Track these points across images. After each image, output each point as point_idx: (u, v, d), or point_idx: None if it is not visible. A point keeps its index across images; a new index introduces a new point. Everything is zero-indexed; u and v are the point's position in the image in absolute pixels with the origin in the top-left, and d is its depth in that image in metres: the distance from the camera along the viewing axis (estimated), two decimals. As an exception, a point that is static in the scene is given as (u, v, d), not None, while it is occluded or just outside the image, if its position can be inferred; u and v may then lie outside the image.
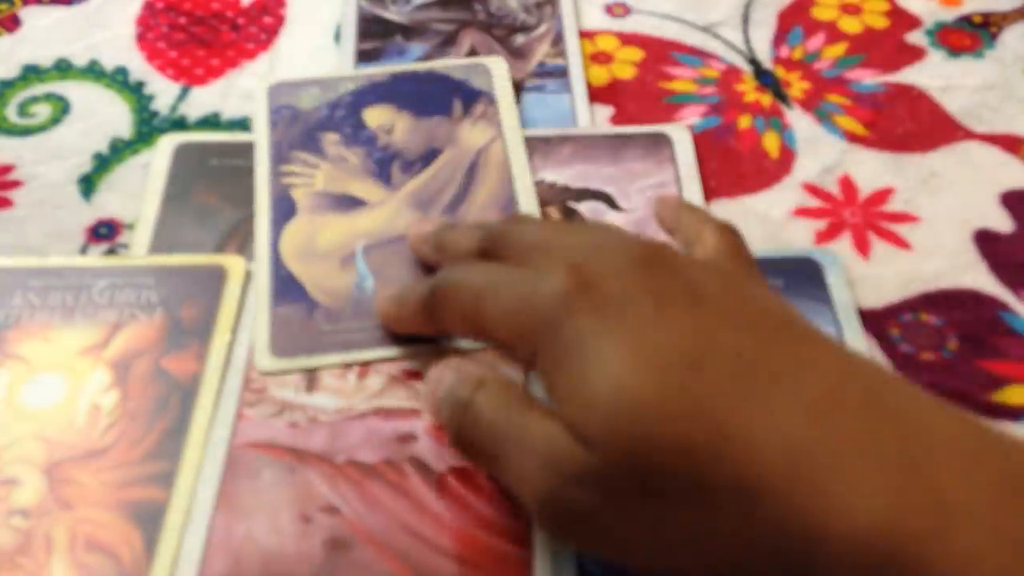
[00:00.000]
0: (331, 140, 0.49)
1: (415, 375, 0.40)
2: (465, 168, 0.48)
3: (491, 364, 0.37)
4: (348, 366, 0.41)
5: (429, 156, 0.48)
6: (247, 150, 0.49)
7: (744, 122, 0.52)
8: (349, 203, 0.47)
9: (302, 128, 0.50)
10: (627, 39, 0.57)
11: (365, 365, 0.41)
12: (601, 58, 0.56)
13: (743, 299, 0.32)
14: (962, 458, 0.26)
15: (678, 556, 0.29)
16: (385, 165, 0.48)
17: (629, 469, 0.28)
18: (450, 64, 0.53)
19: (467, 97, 0.51)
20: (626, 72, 0.55)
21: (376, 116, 0.50)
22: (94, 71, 0.55)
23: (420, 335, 0.40)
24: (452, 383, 0.34)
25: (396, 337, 0.41)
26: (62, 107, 0.53)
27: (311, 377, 0.40)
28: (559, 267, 0.32)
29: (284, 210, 0.46)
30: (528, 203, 0.46)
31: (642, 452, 0.28)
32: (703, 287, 0.31)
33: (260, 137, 0.49)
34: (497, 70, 0.52)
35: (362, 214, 0.46)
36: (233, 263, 0.44)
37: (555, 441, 0.30)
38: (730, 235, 0.38)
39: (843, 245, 0.46)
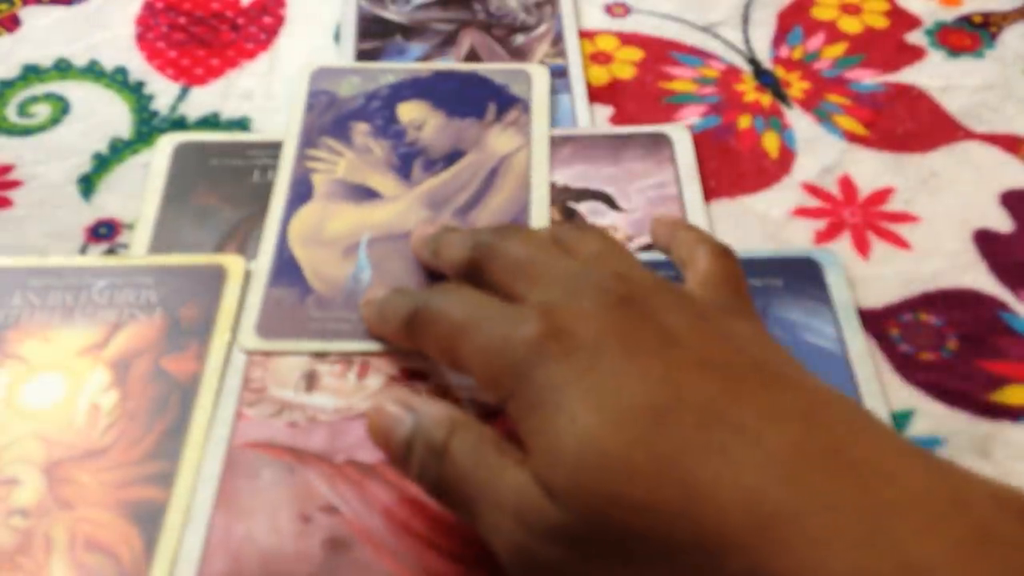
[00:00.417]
0: (361, 130, 0.49)
1: (415, 375, 0.40)
2: (485, 173, 0.48)
3: (444, 402, 0.36)
4: (331, 355, 0.41)
5: (453, 157, 0.48)
6: (247, 150, 0.49)
7: (744, 122, 0.52)
8: (365, 194, 0.47)
9: (335, 115, 0.50)
10: (627, 39, 0.57)
11: (357, 362, 0.41)
12: (601, 58, 0.56)
13: (717, 339, 0.31)
14: (926, 510, 0.26)
15: None
16: (408, 161, 0.48)
17: (595, 526, 0.28)
18: (494, 68, 0.53)
19: (503, 102, 0.51)
20: (626, 72, 0.55)
21: (409, 111, 0.50)
22: (94, 71, 0.55)
23: None
24: (420, 423, 0.33)
25: None
26: (62, 107, 0.53)
27: (310, 377, 0.40)
28: (534, 309, 0.32)
29: (301, 193, 0.47)
30: (540, 215, 0.46)
31: (607, 510, 0.28)
32: (676, 329, 0.31)
33: (293, 118, 0.50)
34: (539, 79, 0.52)
35: (374, 207, 0.46)
36: (233, 263, 0.44)
37: (525, 493, 0.30)
38: (724, 259, 0.37)
39: (843, 245, 0.46)
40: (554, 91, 0.53)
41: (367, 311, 0.41)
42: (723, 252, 0.38)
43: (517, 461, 0.31)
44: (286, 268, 0.44)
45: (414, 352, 0.40)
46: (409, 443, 0.33)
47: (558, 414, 0.29)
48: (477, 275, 0.37)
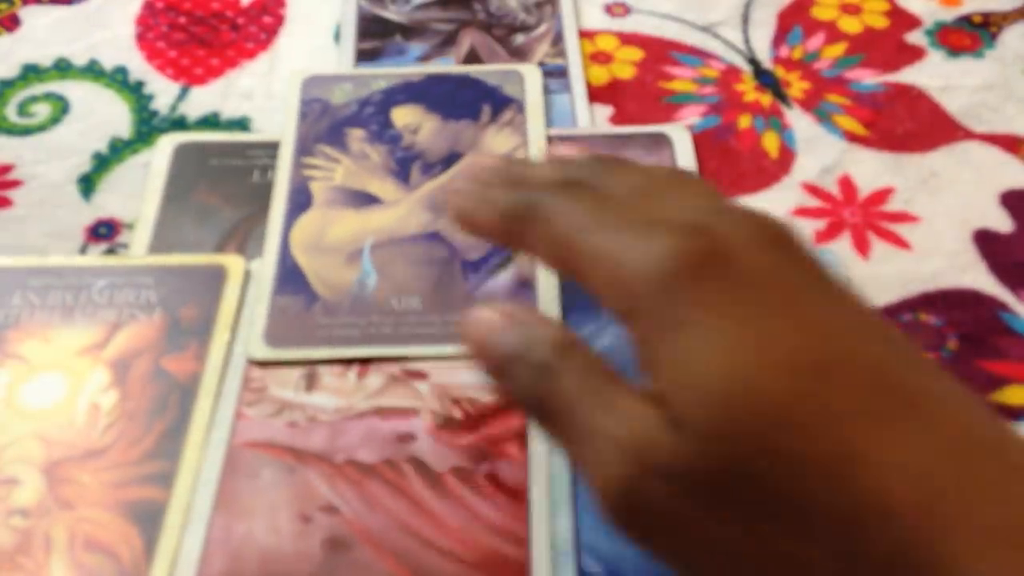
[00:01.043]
0: (356, 136, 0.49)
1: (415, 375, 0.40)
2: None
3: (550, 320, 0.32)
4: (340, 361, 0.41)
5: (451, 159, 0.48)
6: (247, 150, 0.49)
7: (744, 122, 0.52)
8: (365, 200, 0.47)
9: (329, 122, 0.50)
10: (627, 39, 0.57)
11: (357, 362, 0.41)
12: (601, 58, 0.56)
13: (867, 308, 0.28)
14: None
15: None
16: (406, 165, 0.48)
17: (730, 473, 0.25)
18: (485, 69, 0.53)
19: (497, 103, 0.51)
20: (626, 72, 0.55)
21: (404, 115, 0.50)
22: (94, 71, 0.55)
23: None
24: (528, 338, 0.30)
25: (391, 336, 0.41)
26: (62, 107, 0.53)
27: (310, 376, 0.40)
28: (680, 223, 0.28)
29: (300, 202, 0.47)
30: None
31: (751, 457, 0.25)
32: (836, 285, 0.28)
33: (288, 128, 0.50)
34: (531, 78, 0.52)
35: (375, 212, 0.46)
36: (233, 263, 0.44)
37: (644, 424, 0.26)
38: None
39: (843, 245, 0.46)
40: (552, 91, 0.53)
41: (461, 196, 0.34)
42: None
43: (634, 392, 0.27)
44: (290, 276, 0.44)
45: (410, 353, 0.41)
46: (512, 357, 0.30)
47: (707, 341, 0.26)
48: None
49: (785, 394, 0.25)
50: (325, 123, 0.50)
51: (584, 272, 0.29)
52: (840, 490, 0.24)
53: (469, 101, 0.51)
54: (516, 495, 0.36)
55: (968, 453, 0.25)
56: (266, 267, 0.44)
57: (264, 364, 0.41)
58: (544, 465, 0.37)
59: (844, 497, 0.24)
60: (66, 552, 0.35)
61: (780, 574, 0.25)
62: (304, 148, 0.49)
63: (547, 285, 0.43)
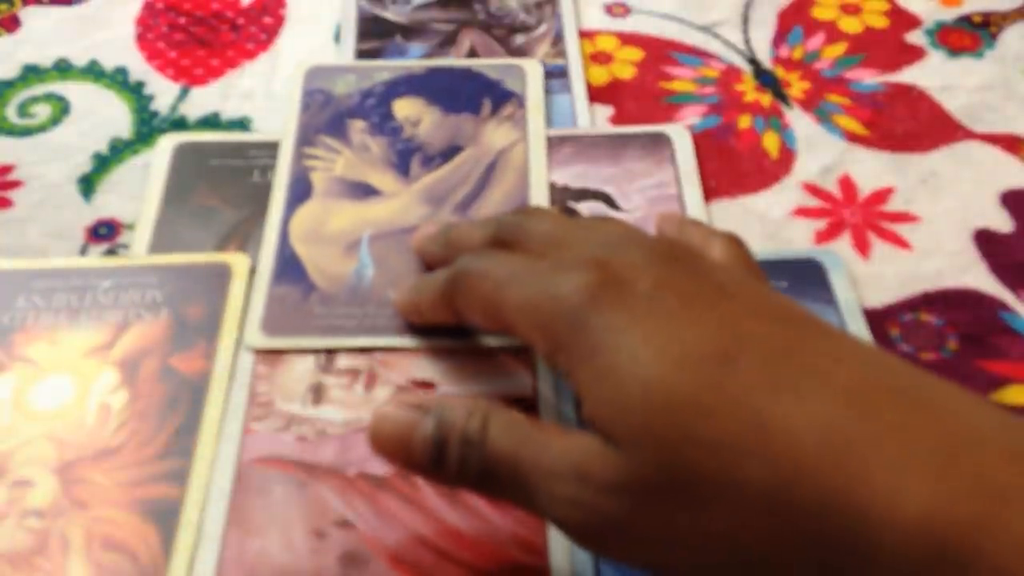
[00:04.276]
0: (357, 127, 0.49)
1: (422, 385, 0.40)
2: (483, 168, 0.48)
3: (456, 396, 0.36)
4: (335, 351, 0.41)
5: (451, 152, 0.49)
6: (247, 150, 0.49)
7: (744, 122, 0.52)
8: (364, 191, 0.47)
9: (331, 113, 0.50)
10: (627, 39, 0.57)
11: (364, 374, 0.40)
12: (601, 58, 0.56)
13: (766, 296, 0.31)
14: (1002, 445, 0.26)
15: (717, 558, 0.28)
16: (406, 157, 0.48)
17: (663, 469, 0.27)
18: (487, 63, 0.53)
19: (498, 97, 0.51)
20: (626, 72, 0.55)
21: (405, 107, 0.51)
22: (94, 71, 0.55)
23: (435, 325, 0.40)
24: (446, 419, 0.31)
25: (387, 327, 0.41)
26: (62, 107, 0.53)
27: (317, 389, 0.40)
28: (583, 261, 0.31)
29: (300, 192, 0.47)
30: None
31: (677, 450, 0.27)
32: (727, 283, 0.31)
33: (289, 117, 0.50)
34: (532, 73, 0.52)
35: (374, 203, 0.46)
36: (238, 260, 0.44)
37: (581, 451, 0.29)
38: (737, 246, 0.37)
39: (843, 245, 0.46)
40: (553, 91, 0.53)
41: (402, 296, 0.41)
42: (735, 240, 0.37)
43: (561, 430, 0.31)
44: (288, 266, 0.44)
45: (404, 343, 0.41)
46: (438, 442, 0.31)
47: (619, 360, 0.29)
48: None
49: (692, 386, 0.28)
50: (327, 114, 0.50)
51: (510, 325, 0.33)
52: (758, 461, 0.26)
53: (470, 95, 0.51)
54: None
55: (868, 401, 0.27)
56: (265, 256, 0.44)
57: (261, 352, 0.41)
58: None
59: (762, 467, 0.26)
60: (83, 552, 0.35)
61: (735, 543, 0.27)
62: (306, 138, 0.49)
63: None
